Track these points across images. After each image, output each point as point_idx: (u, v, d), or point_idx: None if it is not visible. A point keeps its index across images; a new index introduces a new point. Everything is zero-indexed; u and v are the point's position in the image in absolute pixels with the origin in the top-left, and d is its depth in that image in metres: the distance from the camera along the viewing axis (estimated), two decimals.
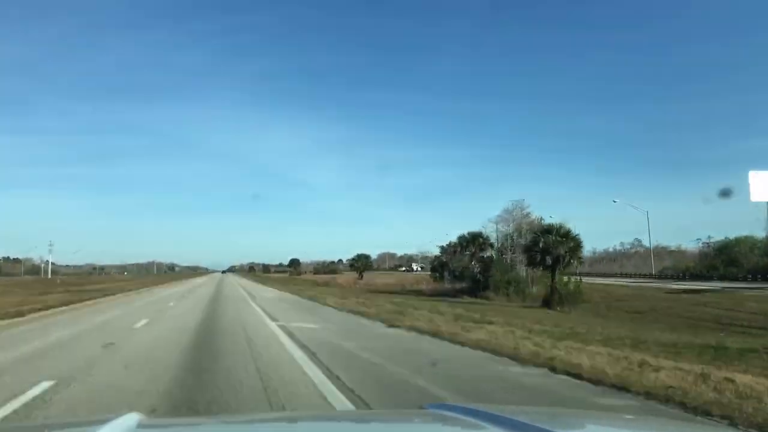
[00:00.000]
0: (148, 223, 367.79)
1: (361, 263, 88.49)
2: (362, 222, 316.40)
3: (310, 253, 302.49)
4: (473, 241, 50.10)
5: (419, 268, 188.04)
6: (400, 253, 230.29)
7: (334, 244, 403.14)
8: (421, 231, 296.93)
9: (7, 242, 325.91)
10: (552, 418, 2.38)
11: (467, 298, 44.30)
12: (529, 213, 48.01)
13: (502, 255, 48.89)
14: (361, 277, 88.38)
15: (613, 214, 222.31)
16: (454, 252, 55.44)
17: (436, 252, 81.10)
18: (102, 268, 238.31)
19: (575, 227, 33.38)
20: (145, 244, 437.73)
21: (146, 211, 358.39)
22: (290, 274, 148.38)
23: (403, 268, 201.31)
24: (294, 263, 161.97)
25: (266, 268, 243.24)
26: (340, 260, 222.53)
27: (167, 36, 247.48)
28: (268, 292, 40.58)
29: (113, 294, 39.60)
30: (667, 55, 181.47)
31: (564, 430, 1.99)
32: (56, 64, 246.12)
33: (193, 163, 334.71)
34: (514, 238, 47.44)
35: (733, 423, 5.22)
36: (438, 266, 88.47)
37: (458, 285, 75.60)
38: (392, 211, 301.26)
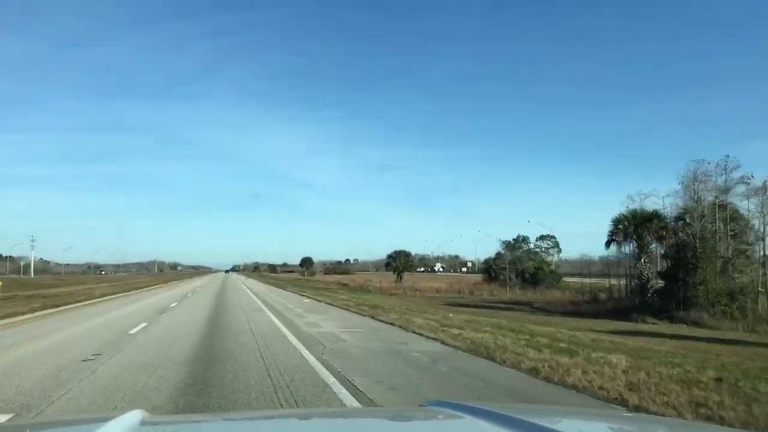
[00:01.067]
0: (151, 223, 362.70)
1: (400, 262, 68.38)
2: (363, 222, 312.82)
3: (312, 253, 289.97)
4: (645, 226, 28.91)
5: (441, 268, 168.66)
6: (411, 253, 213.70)
7: (336, 244, 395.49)
8: (422, 231, 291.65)
9: (4, 240, 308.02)
10: (553, 417, 2.28)
11: (652, 321, 24.59)
12: (749, 176, 27.13)
13: (701, 247, 27.11)
14: (401, 278, 68.40)
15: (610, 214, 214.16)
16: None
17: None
18: (98, 266, 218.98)
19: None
20: (149, 243, 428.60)
21: (149, 210, 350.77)
22: (302, 275, 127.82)
23: (422, 269, 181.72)
24: (306, 262, 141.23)
25: (272, 267, 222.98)
26: (348, 260, 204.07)
27: (167, 35, 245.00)
28: (325, 316, 19.51)
29: (38, 311, 20.40)
30: (669, 56, 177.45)
31: (564, 428, 1.87)
32: (57, 63, 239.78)
33: (195, 162, 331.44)
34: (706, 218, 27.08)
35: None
36: (501, 267, 68.31)
37: (523, 290, 55.41)
38: (394, 211, 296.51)
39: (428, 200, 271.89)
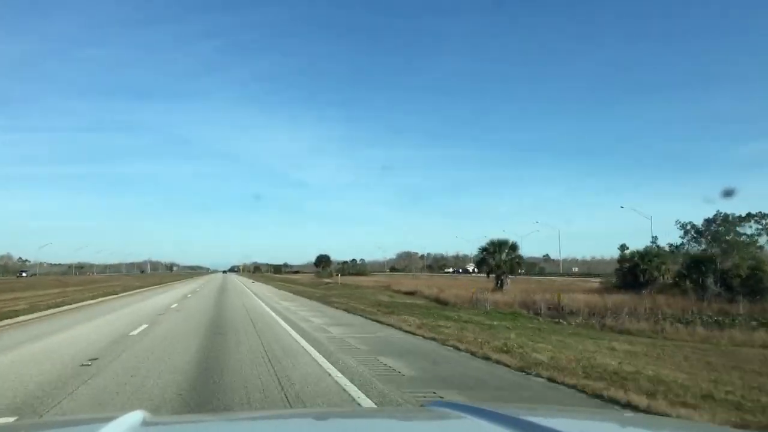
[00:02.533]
0: (148, 222, 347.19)
1: (501, 260, 41.92)
2: (365, 222, 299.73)
3: (312, 253, 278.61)
4: None
5: (476, 269, 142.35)
6: (420, 252, 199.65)
7: (337, 244, 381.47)
8: (427, 231, 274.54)
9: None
10: (554, 416, 2.21)
11: None
12: None
13: None
14: (501, 285, 42.15)
15: (615, 215, 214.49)
16: None
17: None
18: (81, 266, 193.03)
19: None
20: (146, 243, 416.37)
21: (147, 209, 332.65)
22: (317, 276, 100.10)
23: (451, 270, 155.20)
24: (322, 261, 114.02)
25: (277, 268, 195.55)
26: (354, 259, 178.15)
27: (167, 35, 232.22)
28: None
29: None
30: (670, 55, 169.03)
31: (564, 428, 1.77)
32: (56, 63, 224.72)
33: (194, 162, 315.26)
34: None
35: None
36: (691, 264, 40.78)
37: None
38: (396, 211, 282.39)
39: (432, 200, 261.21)
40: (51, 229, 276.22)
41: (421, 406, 2.66)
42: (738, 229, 37.66)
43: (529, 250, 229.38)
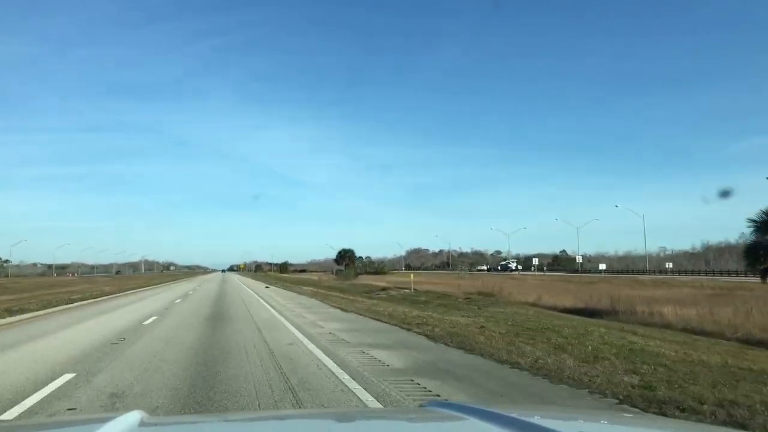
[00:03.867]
0: (145, 222, 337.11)
1: None
2: (365, 220, 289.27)
3: (312, 252, 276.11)
4: None
5: (519, 267, 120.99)
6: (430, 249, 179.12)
7: (338, 243, 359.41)
8: (428, 230, 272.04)
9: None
10: (553, 417, 2.15)
11: None
12: None
13: None
14: None
15: (612, 215, 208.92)
16: None
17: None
18: (63, 267, 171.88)
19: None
20: (143, 243, 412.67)
21: (143, 209, 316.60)
22: (338, 276, 78.08)
23: (485, 267, 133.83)
24: (345, 257, 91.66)
25: (283, 267, 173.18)
26: (361, 257, 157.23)
27: (167, 35, 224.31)
28: None
29: None
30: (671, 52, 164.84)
31: (564, 428, 1.74)
32: (54, 63, 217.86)
33: (193, 161, 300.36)
34: None
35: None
36: None
37: None
38: (394, 209, 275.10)
39: (427, 199, 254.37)
40: (47, 229, 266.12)
41: (420, 406, 2.26)
42: None
43: (541, 246, 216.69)
